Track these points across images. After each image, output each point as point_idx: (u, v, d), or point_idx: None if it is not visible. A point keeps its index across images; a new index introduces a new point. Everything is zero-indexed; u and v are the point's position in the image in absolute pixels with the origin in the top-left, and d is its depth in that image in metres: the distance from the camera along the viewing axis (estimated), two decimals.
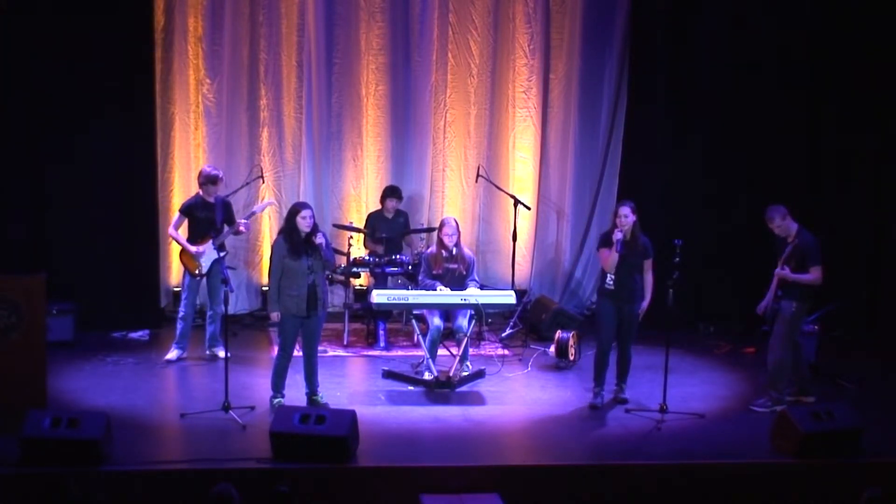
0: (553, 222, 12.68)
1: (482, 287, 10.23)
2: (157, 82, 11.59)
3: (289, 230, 8.99)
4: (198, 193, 10.49)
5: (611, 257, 9.09)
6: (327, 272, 9.90)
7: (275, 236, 9.70)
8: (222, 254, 10.35)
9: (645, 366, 10.09)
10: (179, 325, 10.46)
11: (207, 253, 10.29)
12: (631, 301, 9.19)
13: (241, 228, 10.45)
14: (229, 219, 10.47)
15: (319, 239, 8.85)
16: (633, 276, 9.17)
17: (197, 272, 10.33)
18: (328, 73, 12.07)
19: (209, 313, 10.51)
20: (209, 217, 10.34)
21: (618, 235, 9.04)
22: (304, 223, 8.86)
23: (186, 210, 10.42)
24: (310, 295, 8.90)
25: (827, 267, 9.19)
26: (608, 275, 9.21)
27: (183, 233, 10.43)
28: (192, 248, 10.28)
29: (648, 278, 9.26)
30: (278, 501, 6.59)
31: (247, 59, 11.92)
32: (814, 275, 9.04)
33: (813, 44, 11.94)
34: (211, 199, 10.38)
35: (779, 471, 8.13)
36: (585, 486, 7.92)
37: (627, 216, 9.10)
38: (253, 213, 10.75)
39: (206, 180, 10.35)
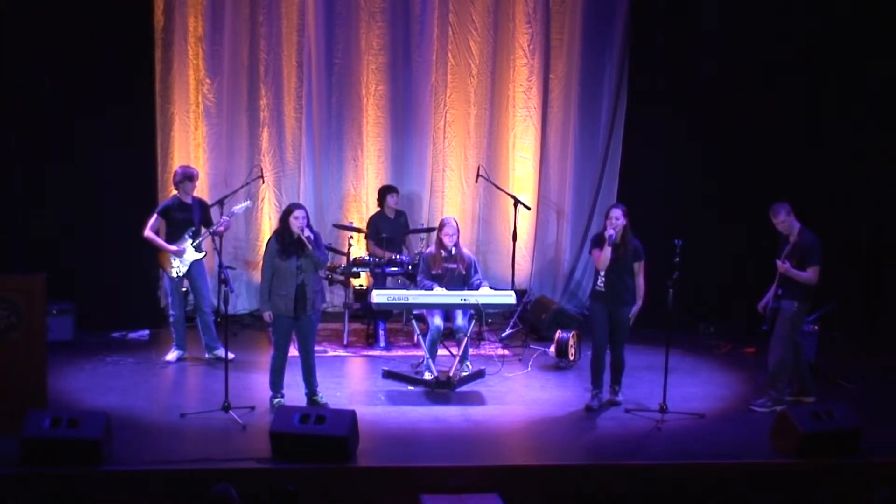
0: (553, 222, 12.69)
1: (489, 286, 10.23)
2: (157, 82, 11.60)
3: (281, 230, 9.02)
4: (174, 195, 10.47)
5: (603, 254, 9.10)
6: (325, 273, 9.89)
7: None
8: (201, 255, 10.35)
9: (645, 366, 10.10)
10: (173, 330, 10.47)
11: (187, 253, 10.28)
12: (621, 304, 9.19)
13: (221, 228, 10.39)
14: (206, 220, 10.45)
15: (307, 232, 8.86)
16: (623, 279, 9.17)
17: (175, 274, 10.31)
18: (328, 73, 12.07)
19: (199, 319, 10.47)
20: (187, 218, 10.32)
21: (610, 231, 9.07)
22: (296, 224, 8.87)
23: (163, 212, 10.40)
24: (298, 295, 8.90)
25: (826, 267, 9.20)
26: (599, 277, 9.23)
27: (161, 235, 10.42)
28: (172, 248, 10.27)
29: (640, 281, 9.25)
30: (285, 500, 6.59)
31: (247, 59, 11.93)
32: (810, 274, 9.05)
33: (813, 42, 11.94)
34: (188, 200, 10.37)
35: (779, 471, 8.13)
36: (585, 486, 7.91)
37: (619, 218, 9.12)
38: (233, 213, 10.69)
39: (184, 178, 10.34)
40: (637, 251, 9.22)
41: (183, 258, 10.28)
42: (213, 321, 10.45)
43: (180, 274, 10.31)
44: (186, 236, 10.28)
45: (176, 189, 10.43)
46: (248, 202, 11.13)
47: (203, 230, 10.33)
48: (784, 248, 9.14)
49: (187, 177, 10.36)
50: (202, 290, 10.40)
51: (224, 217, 10.42)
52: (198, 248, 10.34)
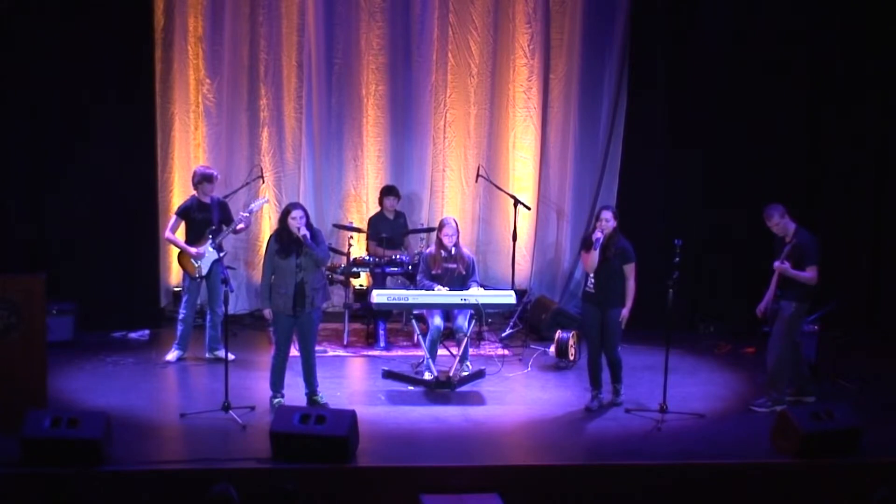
0: (553, 222, 12.68)
1: (482, 287, 10.21)
2: (157, 82, 11.60)
3: (280, 230, 9.03)
4: (193, 195, 10.47)
5: (591, 256, 9.09)
6: (326, 272, 9.89)
7: None
8: (221, 254, 10.34)
9: (645, 366, 10.10)
10: (179, 328, 10.46)
11: (207, 254, 10.28)
12: (611, 305, 9.17)
13: (241, 226, 10.42)
14: (226, 219, 10.45)
15: (303, 231, 8.87)
16: (613, 280, 9.14)
17: (196, 274, 10.32)
18: (328, 73, 12.07)
19: (209, 316, 10.48)
20: (206, 218, 10.32)
21: (597, 234, 9.05)
22: (294, 224, 8.89)
23: (182, 212, 10.40)
24: (297, 293, 8.92)
25: (826, 267, 9.20)
26: (589, 278, 9.22)
27: (180, 236, 10.43)
28: (193, 250, 10.28)
29: (630, 284, 9.15)
30: (284, 499, 6.58)
31: (247, 59, 11.93)
32: (810, 273, 9.04)
33: (813, 43, 11.94)
34: (207, 200, 10.37)
35: (779, 471, 8.13)
36: (585, 486, 7.91)
37: (608, 220, 9.09)
38: (251, 211, 10.70)
39: (202, 179, 10.34)
40: (626, 253, 9.14)
41: (203, 259, 10.28)
42: (221, 322, 10.43)
43: (202, 275, 10.31)
44: (206, 236, 10.27)
45: (195, 189, 10.43)
46: (265, 198, 11.15)
47: (224, 229, 10.33)
48: (782, 250, 9.13)
49: (205, 178, 10.35)
50: (218, 290, 10.34)
51: (243, 214, 10.43)
52: (218, 248, 10.33)
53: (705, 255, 11.72)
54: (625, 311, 9.18)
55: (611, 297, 9.16)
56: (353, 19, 12.05)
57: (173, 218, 10.46)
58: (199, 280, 10.36)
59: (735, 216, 11.92)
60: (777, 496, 8.01)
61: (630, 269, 9.16)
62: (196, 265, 10.29)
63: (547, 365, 10.67)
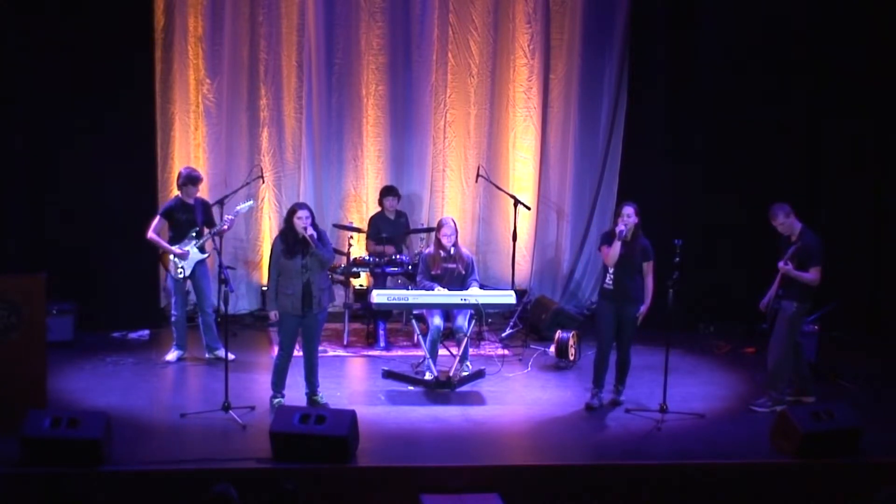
0: (553, 222, 12.69)
1: (482, 287, 10.22)
2: (157, 82, 11.60)
3: (285, 230, 9.04)
4: (177, 196, 10.46)
5: (612, 249, 9.09)
6: (329, 273, 9.90)
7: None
8: (204, 255, 10.34)
9: (645, 366, 10.09)
10: (174, 330, 10.47)
11: (191, 255, 10.28)
12: (629, 302, 9.18)
13: (225, 228, 10.38)
14: (209, 220, 10.44)
15: (310, 231, 8.87)
16: (632, 277, 9.17)
17: (180, 276, 10.31)
18: (328, 73, 12.07)
19: (200, 319, 10.47)
20: (189, 219, 10.31)
21: (620, 227, 9.06)
22: (300, 224, 8.88)
23: (166, 213, 10.39)
24: (304, 294, 8.92)
25: (827, 267, 9.20)
26: (608, 275, 9.21)
27: (164, 236, 10.43)
28: (176, 250, 10.27)
29: (649, 281, 9.24)
30: (284, 499, 6.58)
31: (247, 59, 11.93)
32: (812, 275, 9.05)
33: (813, 43, 11.94)
34: (190, 201, 10.35)
35: (779, 471, 8.13)
36: (585, 486, 7.92)
37: (630, 216, 9.12)
38: (237, 213, 10.66)
39: (187, 181, 10.32)
40: (646, 251, 9.22)
41: (187, 259, 10.28)
42: (215, 321, 10.45)
43: (185, 275, 10.31)
44: (189, 237, 10.28)
45: (179, 190, 10.42)
46: (252, 201, 11.11)
47: (206, 231, 10.33)
48: (786, 249, 9.12)
49: (190, 179, 10.34)
50: (205, 290, 10.39)
51: (228, 216, 10.41)
52: (201, 249, 10.34)
53: (705, 254, 11.71)
54: (643, 308, 9.21)
55: (631, 294, 9.16)
56: (353, 19, 12.05)
57: (156, 218, 10.42)
58: (182, 280, 10.35)
59: (736, 216, 11.93)
60: (777, 496, 8.01)
61: (649, 267, 9.22)
62: (179, 265, 10.28)
63: (547, 365, 10.67)
